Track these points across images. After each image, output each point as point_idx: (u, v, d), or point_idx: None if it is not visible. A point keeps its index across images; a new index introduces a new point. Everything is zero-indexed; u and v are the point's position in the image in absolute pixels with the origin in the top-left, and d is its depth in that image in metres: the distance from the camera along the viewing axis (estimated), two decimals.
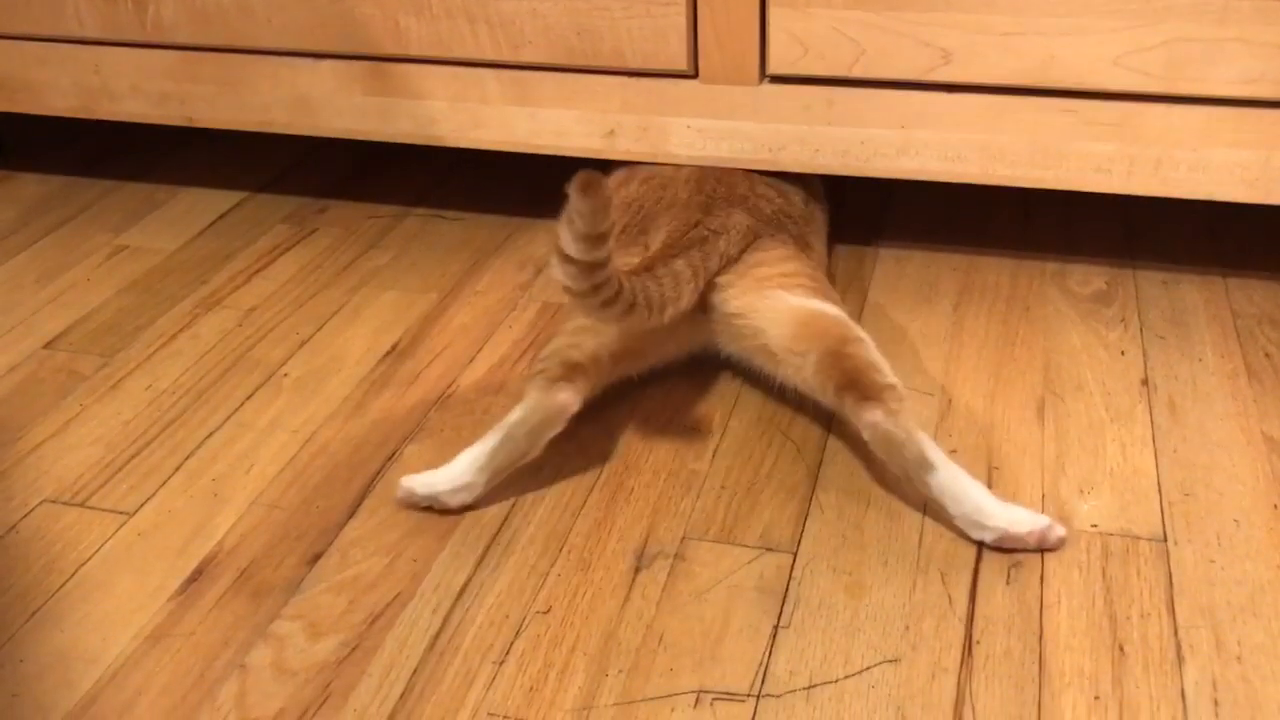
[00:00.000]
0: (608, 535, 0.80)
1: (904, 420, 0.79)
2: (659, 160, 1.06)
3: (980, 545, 0.77)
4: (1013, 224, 1.17)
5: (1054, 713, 0.66)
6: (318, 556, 0.79)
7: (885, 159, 1.01)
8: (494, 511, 0.82)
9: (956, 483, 0.77)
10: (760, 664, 0.69)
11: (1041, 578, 0.74)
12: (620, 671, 0.69)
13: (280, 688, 0.69)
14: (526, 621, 0.73)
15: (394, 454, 0.88)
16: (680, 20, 0.99)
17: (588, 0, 1.00)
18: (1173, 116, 0.94)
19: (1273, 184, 0.94)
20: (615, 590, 0.75)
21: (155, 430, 0.92)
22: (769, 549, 0.78)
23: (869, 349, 0.84)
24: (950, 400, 0.91)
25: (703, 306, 0.90)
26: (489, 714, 0.67)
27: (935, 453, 0.78)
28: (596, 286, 0.78)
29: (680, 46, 1.01)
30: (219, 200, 1.29)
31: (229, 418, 0.93)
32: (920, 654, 0.69)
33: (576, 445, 0.88)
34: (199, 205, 1.29)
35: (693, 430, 0.90)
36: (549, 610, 0.74)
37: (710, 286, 0.89)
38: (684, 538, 0.79)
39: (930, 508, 0.80)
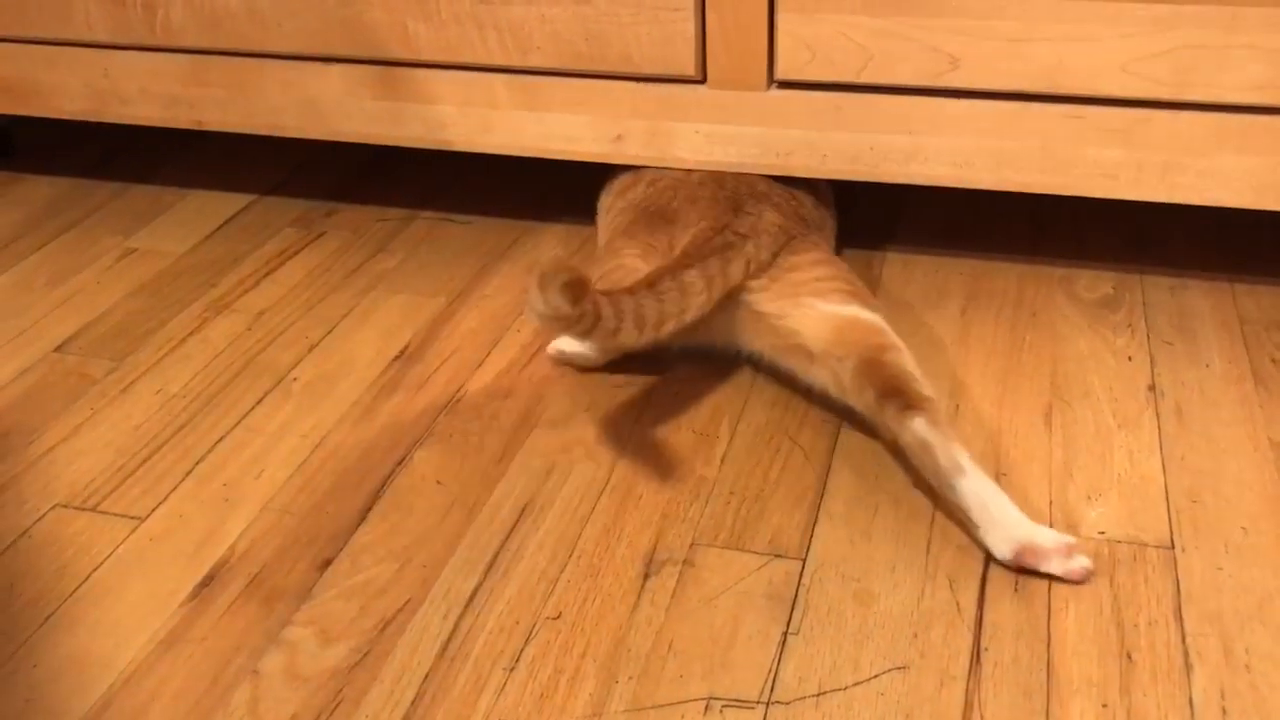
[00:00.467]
0: (617, 541, 0.80)
1: (945, 428, 0.80)
2: (667, 165, 1.07)
3: (988, 553, 0.77)
4: (1020, 229, 1.17)
5: None
6: (328, 562, 0.80)
7: (894, 164, 1.01)
8: (503, 517, 0.83)
9: (984, 494, 0.77)
10: (770, 671, 0.70)
11: (1049, 585, 0.75)
12: (630, 678, 0.70)
13: (293, 694, 0.70)
14: (537, 628, 0.74)
15: (404, 459, 0.89)
16: (688, 26, 0.99)
17: (596, 6, 1.00)
18: (1181, 123, 0.94)
19: None
20: (625, 596, 0.76)
21: (166, 434, 0.93)
22: (778, 555, 0.78)
23: (906, 358, 0.85)
24: (958, 406, 0.91)
25: (732, 305, 0.92)
26: None
27: (967, 460, 0.78)
28: (571, 323, 0.80)
29: (688, 52, 1.01)
30: (227, 203, 1.30)
31: (239, 422, 0.94)
32: (929, 661, 0.70)
33: (584, 450, 0.88)
34: (207, 208, 1.29)
35: (700, 435, 0.90)
36: (559, 616, 0.74)
37: (741, 289, 0.91)
38: (693, 544, 0.79)
39: (938, 516, 0.81)
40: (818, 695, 0.68)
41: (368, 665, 0.71)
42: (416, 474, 0.87)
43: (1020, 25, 0.93)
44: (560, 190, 1.28)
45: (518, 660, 0.71)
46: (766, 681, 0.69)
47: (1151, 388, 0.93)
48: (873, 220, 1.20)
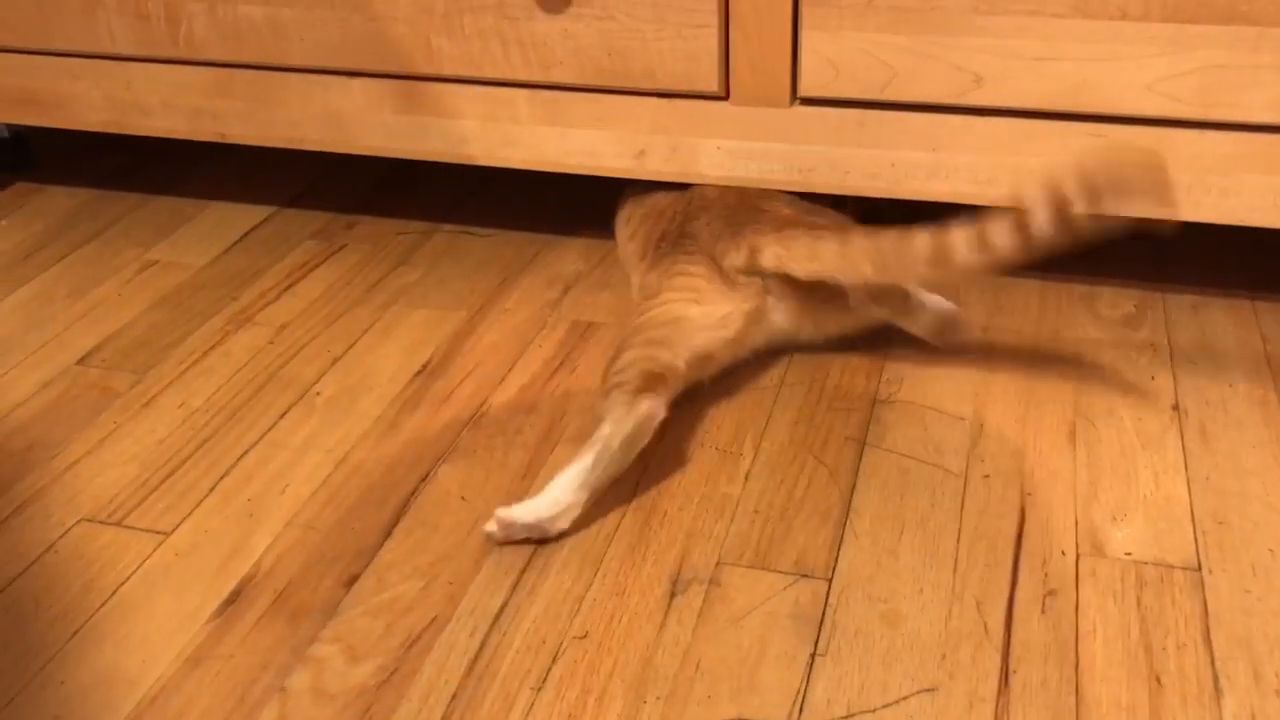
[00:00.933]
0: (642, 560, 0.80)
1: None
2: (689, 180, 1.07)
3: (1016, 563, 0.77)
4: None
5: None
6: (354, 578, 0.80)
7: (916, 181, 1.01)
8: None
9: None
10: (798, 692, 0.70)
11: (1077, 606, 0.75)
12: (658, 698, 0.70)
13: (320, 711, 0.70)
14: (564, 647, 0.74)
15: (428, 474, 0.89)
16: (712, 43, 1.00)
17: (619, 22, 1.01)
18: (1204, 142, 0.94)
19: None
20: (651, 616, 0.76)
21: (190, 449, 0.93)
22: (804, 575, 0.78)
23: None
24: (982, 425, 0.91)
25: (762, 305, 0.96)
26: None
27: None
28: None
29: (712, 68, 1.01)
30: (247, 215, 1.30)
31: (262, 437, 0.94)
32: (957, 683, 0.70)
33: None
34: (227, 220, 1.29)
35: (724, 453, 0.90)
36: (585, 635, 0.74)
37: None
38: (718, 563, 0.79)
39: (964, 534, 0.81)
40: (846, 717, 0.68)
41: (395, 684, 0.71)
42: (441, 489, 0.87)
43: (1045, 44, 0.93)
44: (581, 203, 1.28)
45: (545, 679, 0.71)
46: (795, 703, 0.69)
47: (1175, 407, 0.93)
48: None
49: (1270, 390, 0.94)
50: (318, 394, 0.99)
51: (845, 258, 0.90)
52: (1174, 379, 0.96)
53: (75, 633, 0.76)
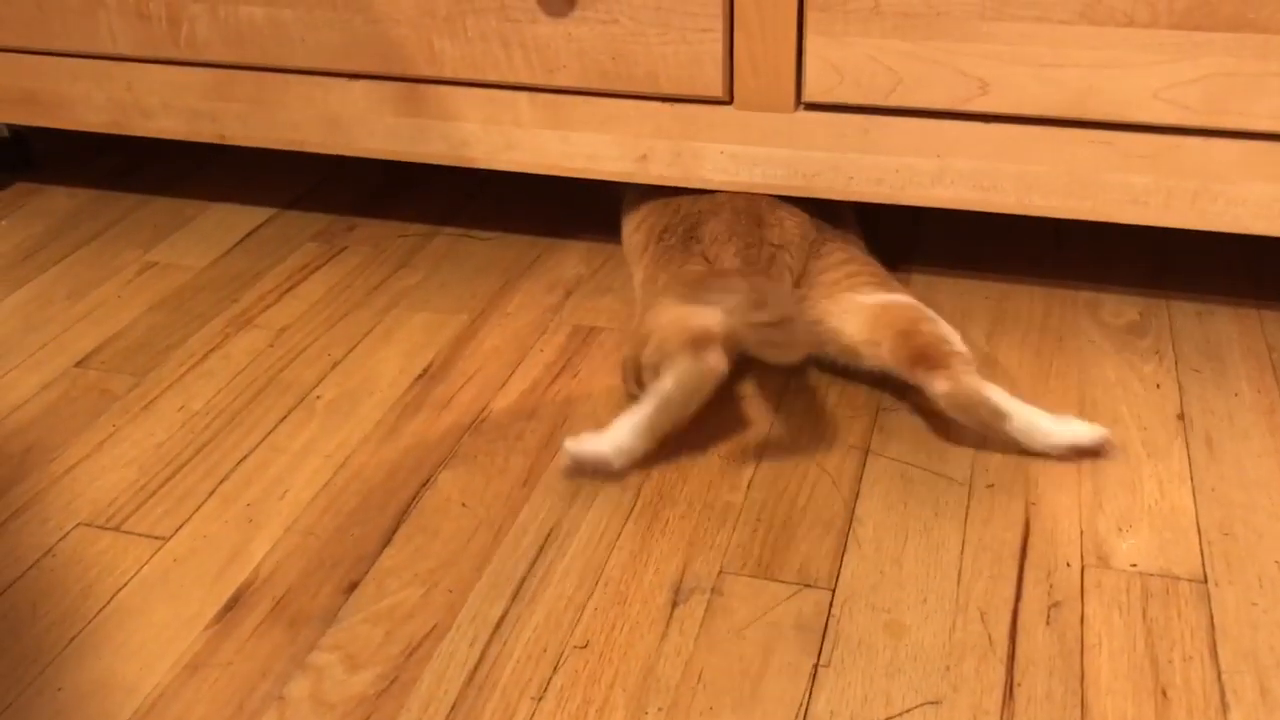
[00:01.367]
0: (644, 568, 0.80)
1: (971, 379, 0.86)
2: (692, 185, 1.06)
3: (1020, 574, 0.77)
4: (1044, 252, 1.17)
5: None
6: (354, 585, 0.79)
7: (920, 188, 1.01)
8: (529, 541, 0.82)
9: (1030, 421, 0.86)
10: (801, 704, 0.69)
11: (1082, 618, 0.74)
12: (660, 709, 0.69)
13: None
14: (564, 656, 0.73)
15: (428, 480, 0.88)
16: (716, 47, 0.99)
17: (623, 25, 1.00)
18: (1212, 150, 0.93)
19: None
20: (653, 625, 0.75)
21: (189, 453, 0.92)
22: (807, 585, 0.78)
23: (941, 326, 0.90)
24: (985, 434, 0.91)
25: None
26: None
27: (1005, 400, 0.86)
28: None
29: (716, 73, 1.00)
30: (247, 217, 1.30)
31: (262, 441, 0.93)
32: (961, 696, 0.69)
33: (610, 473, 0.88)
34: (227, 221, 1.29)
35: (726, 460, 0.89)
36: (586, 645, 0.74)
37: None
38: (721, 572, 0.79)
39: (968, 544, 0.80)
40: None
41: (394, 693, 0.71)
42: (441, 496, 0.87)
43: (1051, 51, 0.92)
44: (583, 206, 1.27)
45: (546, 689, 0.71)
46: (798, 715, 0.68)
47: (1180, 416, 0.92)
48: (895, 241, 1.19)
49: (1277, 399, 0.93)
50: (318, 398, 0.98)
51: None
52: (1179, 387, 0.95)
53: (72, 639, 0.76)
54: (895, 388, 0.95)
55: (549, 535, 0.83)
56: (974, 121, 0.97)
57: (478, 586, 0.79)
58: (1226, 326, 1.03)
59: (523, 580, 0.79)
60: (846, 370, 0.97)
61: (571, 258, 1.19)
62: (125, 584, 0.80)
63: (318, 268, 1.19)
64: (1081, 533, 0.81)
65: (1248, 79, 0.89)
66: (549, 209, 1.28)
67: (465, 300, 1.12)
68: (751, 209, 1.01)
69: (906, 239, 1.20)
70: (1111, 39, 0.91)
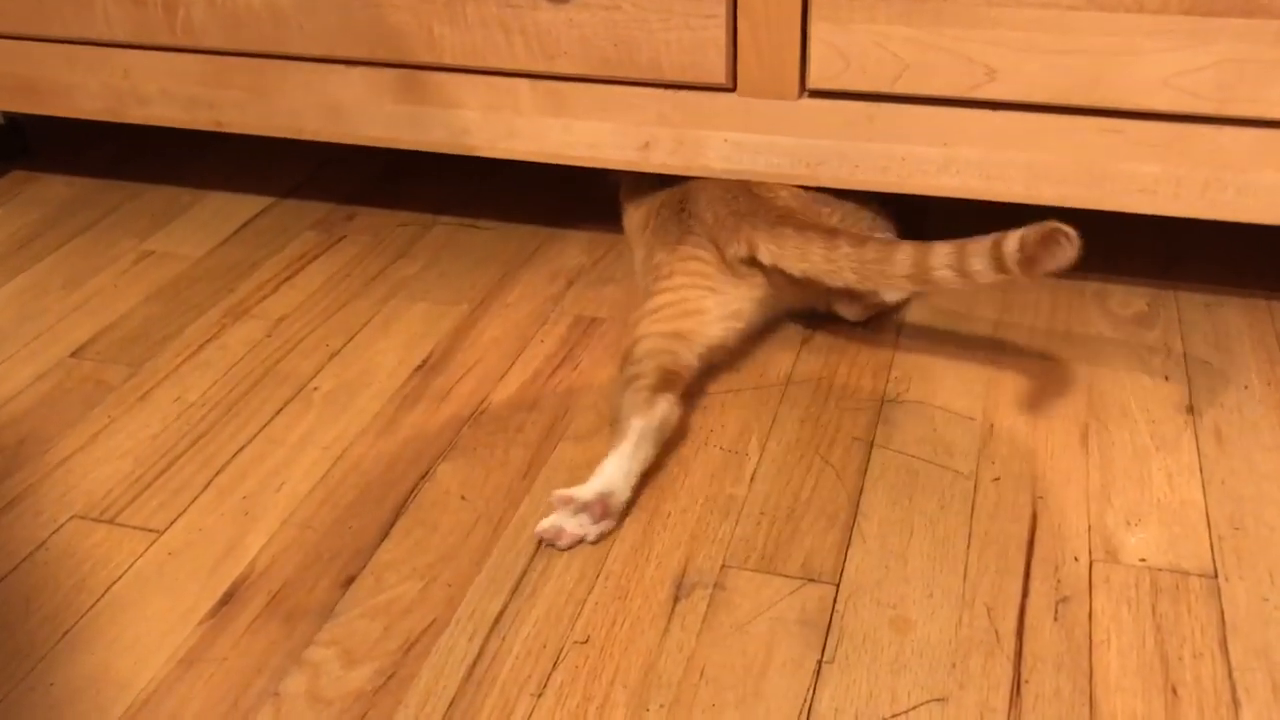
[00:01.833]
0: (645, 562, 0.78)
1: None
2: (695, 173, 1.05)
3: (1028, 568, 0.76)
4: None
5: None
6: (351, 579, 0.78)
7: (926, 176, 1.00)
8: (529, 535, 0.81)
9: None
10: (804, 701, 0.68)
11: (1090, 614, 0.73)
12: (662, 706, 0.68)
13: (316, 717, 0.68)
14: (564, 652, 0.72)
15: (427, 472, 0.87)
16: (720, 34, 0.98)
17: (625, 12, 0.99)
18: (1222, 138, 0.92)
19: None
20: (654, 620, 0.74)
21: (185, 445, 0.91)
22: (811, 579, 0.76)
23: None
24: (992, 425, 0.89)
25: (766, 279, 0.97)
26: None
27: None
28: None
29: (719, 59, 0.99)
30: (245, 205, 1.28)
31: (259, 433, 0.92)
32: (968, 693, 0.68)
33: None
34: (225, 210, 1.28)
35: (729, 453, 0.88)
36: (587, 640, 0.73)
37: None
38: (723, 566, 0.78)
39: (974, 538, 0.79)
40: None
41: (392, 689, 0.70)
42: (440, 488, 0.86)
43: (1060, 37, 0.91)
44: (584, 195, 1.26)
45: (545, 686, 0.70)
46: (801, 712, 0.67)
47: (1189, 409, 0.91)
48: (900, 230, 1.18)
49: None
50: (315, 389, 0.97)
51: (831, 261, 0.91)
52: (1188, 380, 0.94)
53: (65, 633, 0.75)
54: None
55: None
56: (981, 109, 0.96)
57: (477, 581, 0.77)
58: (1236, 318, 1.02)
59: (522, 575, 0.78)
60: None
61: (573, 247, 1.17)
62: (119, 577, 0.79)
63: (316, 257, 1.17)
64: (1089, 527, 0.80)
65: (1260, 66, 0.88)
66: (550, 198, 1.27)
67: (465, 290, 1.10)
68: (745, 184, 1.03)
69: (912, 226, 1.18)
70: (1121, 25, 0.89)
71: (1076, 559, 0.77)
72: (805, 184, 1.02)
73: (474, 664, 0.71)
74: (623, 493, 0.81)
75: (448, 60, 1.06)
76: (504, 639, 0.73)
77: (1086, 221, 1.18)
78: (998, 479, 0.84)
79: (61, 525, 0.84)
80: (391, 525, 0.82)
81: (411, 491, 0.85)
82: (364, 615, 0.75)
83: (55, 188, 1.34)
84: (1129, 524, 0.80)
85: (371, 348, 1.02)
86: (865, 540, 0.79)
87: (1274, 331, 1.00)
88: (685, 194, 1.04)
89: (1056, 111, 0.95)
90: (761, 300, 0.97)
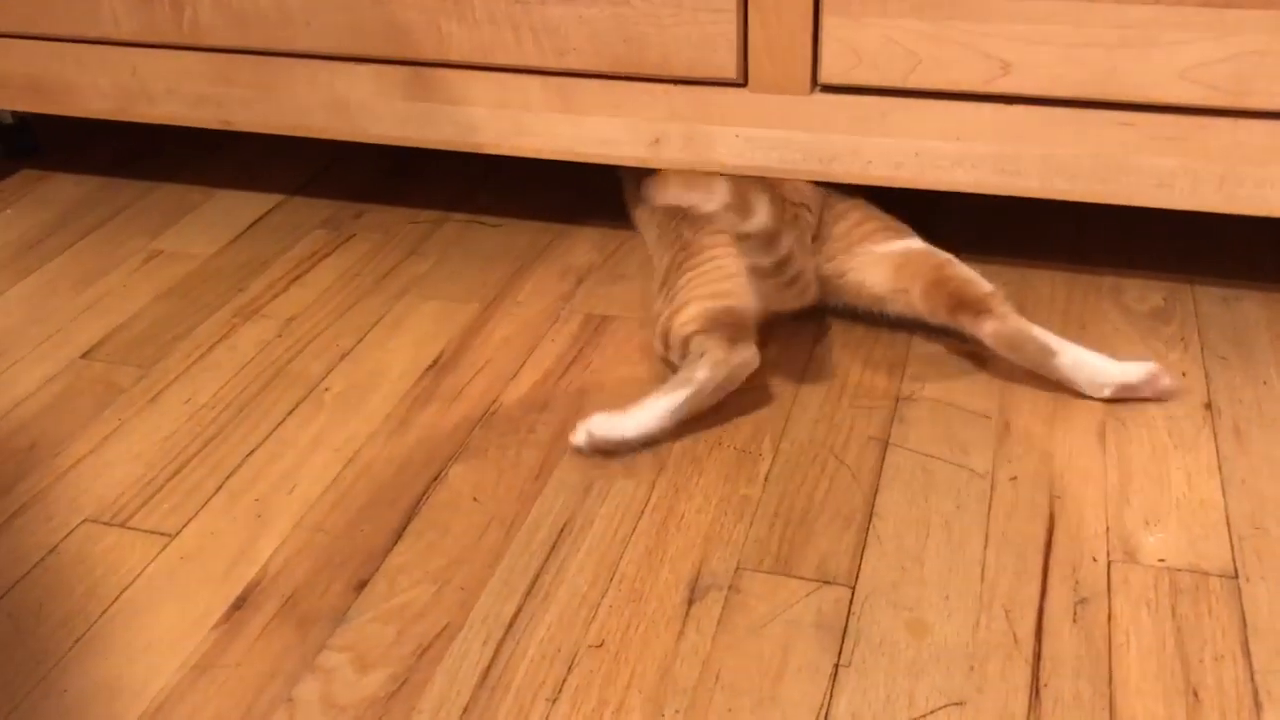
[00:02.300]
0: (659, 564, 0.78)
1: (1015, 319, 0.90)
2: (706, 168, 1.04)
3: (1045, 570, 0.75)
4: (1066, 235, 1.14)
5: None
6: (364, 583, 0.78)
7: (940, 171, 0.99)
8: (542, 537, 0.80)
9: (1077, 358, 0.90)
10: (822, 706, 0.67)
11: (1109, 616, 0.72)
12: (677, 711, 0.68)
13: None
14: (579, 656, 0.71)
15: (439, 474, 0.87)
16: (730, 29, 0.97)
17: (635, 7, 0.98)
18: (1240, 132, 0.91)
19: None
20: (669, 623, 0.73)
21: (195, 447, 0.91)
22: (826, 582, 0.76)
23: (960, 267, 0.95)
24: (1008, 423, 0.89)
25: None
26: None
27: (1051, 339, 0.90)
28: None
29: (729, 55, 0.98)
30: (254, 203, 1.28)
31: (270, 434, 0.92)
32: (986, 697, 0.67)
33: (623, 467, 0.86)
34: (234, 208, 1.27)
35: (742, 453, 0.88)
36: (601, 644, 0.72)
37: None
38: (738, 568, 0.77)
39: (991, 539, 0.78)
40: None
41: (406, 695, 0.69)
42: (452, 490, 0.85)
43: (1075, 30, 0.90)
44: (595, 192, 1.25)
45: (560, 691, 0.69)
46: (818, 717, 0.67)
47: (1208, 405, 0.90)
48: (912, 224, 1.17)
49: None
50: (326, 390, 0.97)
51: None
52: (1205, 375, 0.93)
53: (78, 639, 0.75)
54: (927, 330, 0.98)
55: (562, 531, 0.81)
56: (996, 103, 0.95)
57: (490, 584, 0.77)
58: (1254, 312, 1.01)
59: (536, 577, 0.77)
60: (871, 318, 1.00)
61: (583, 244, 1.17)
62: (131, 582, 0.79)
63: (326, 255, 1.17)
64: (1108, 527, 0.79)
65: (1279, 58, 0.87)
66: (560, 195, 1.26)
67: (475, 288, 1.10)
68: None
69: (925, 223, 1.17)
70: (1138, 17, 0.88)
71: (1095, 560, 0.76)
72: (819, 179, 1.02)
73: (488, 669, 0.71)
74: (658, 435, 0.87)
75: (456, 57, 1.05)
76: (518, 643, 0.73)
77: (1102, 215, 1.17)
78: (1014, 478, 0.83)
79: (73, 529, 0.83)
80: (403, 528, 0.82)
81: (423, 494, 0.85)
82: (377, 620, 0.75)
83: (64, 187, 1.34)
84: (1148, 524, 0.79)
85: (382, 347, 1.02)
86: (881, 541, 0.79)
87: None
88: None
89: (1072, 105, 0.93)
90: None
